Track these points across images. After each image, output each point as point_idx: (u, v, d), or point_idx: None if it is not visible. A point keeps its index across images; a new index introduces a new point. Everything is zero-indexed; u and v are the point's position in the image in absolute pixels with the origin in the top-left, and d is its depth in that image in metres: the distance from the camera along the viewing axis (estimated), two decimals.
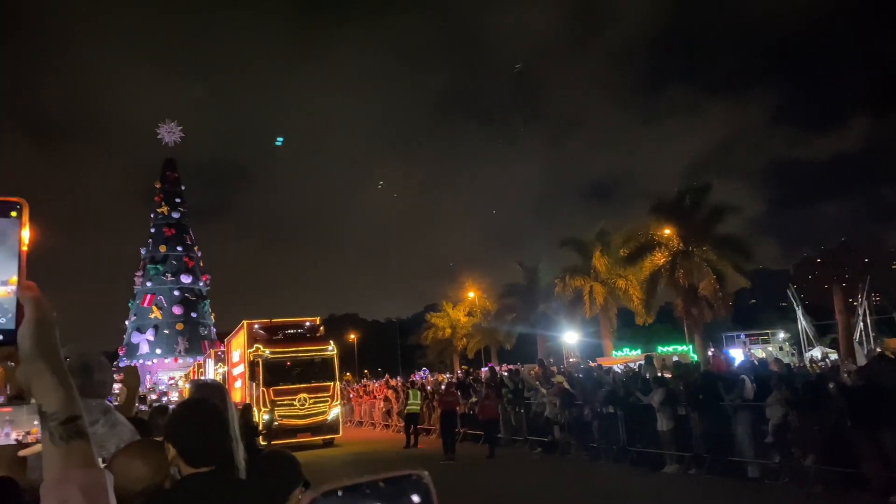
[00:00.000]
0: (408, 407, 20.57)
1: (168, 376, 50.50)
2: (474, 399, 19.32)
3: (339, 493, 0.68)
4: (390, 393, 26.21)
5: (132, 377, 3.96)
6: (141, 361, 52.57)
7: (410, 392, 21.19)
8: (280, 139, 77.01)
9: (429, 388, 24.39)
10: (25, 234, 0.98)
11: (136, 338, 56.54)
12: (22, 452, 1.42)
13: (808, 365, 21.88)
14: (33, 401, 1.27)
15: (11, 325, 0.98)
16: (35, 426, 1.33)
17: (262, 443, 16.13)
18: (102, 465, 1.37)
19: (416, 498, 0.70)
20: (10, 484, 2.25)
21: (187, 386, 30.85)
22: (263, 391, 20.04)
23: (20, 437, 1.34)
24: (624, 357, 31.17)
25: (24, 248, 0.98)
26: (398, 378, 34.59)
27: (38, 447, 1.30)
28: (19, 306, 0.98)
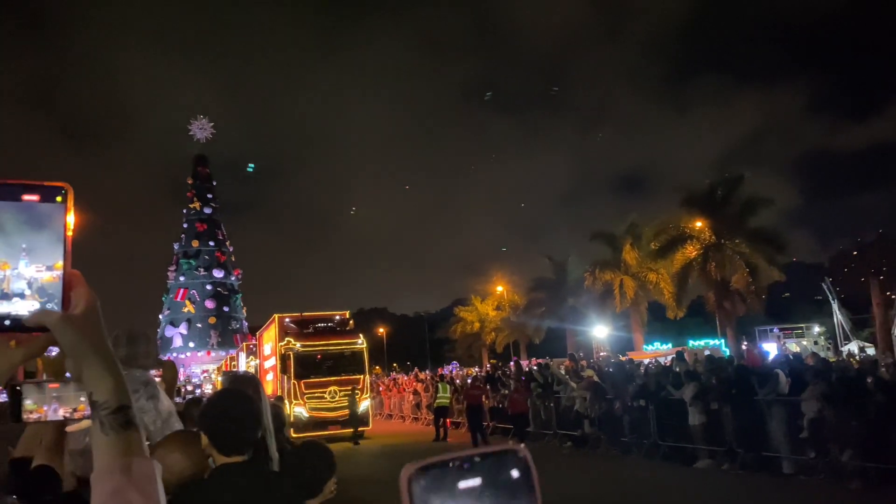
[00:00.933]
0: (437, 400, 20.68)
1: (201, 369, 51.27)
2: (504, 392, 19.30)
3: (437, 468, 0.66)
4: (419, 386, 26.30)
5: (170, 371, 4.03)
6: (175, 355, 53.42)
7: (440, 385, 21.27)
8: (251, 166, 76.77)
9: (458, 381, 24.43)
10: (70, 219, 0.98)
11: (169, 331, 57.45)
12: (70, 428, 1.45)
13: (844, 359, 21.48)
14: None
15: (59, 310, 0.98)
16: (82, 403, 1.36)
17: (294, 435, 16.31)
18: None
19: (515, 473, 0.69)
20: (49, 472, 2.30)
21: (220, 378, 31.29)
22: (294, 384, 20.26)
23: (67, 414, 1.38)
24: (655, 351, 30.88)
25: (70, 234, 0.98)
26: (427, 371, 34.66)
27: (84, 423, 1.34)
28: (65, 292, 0.98)
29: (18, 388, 1.42)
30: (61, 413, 1.39)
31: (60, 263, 0.98)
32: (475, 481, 0.66)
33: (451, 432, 20.31)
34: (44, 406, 1.41)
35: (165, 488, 1.55)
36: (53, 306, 0.98)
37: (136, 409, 1.03)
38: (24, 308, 0.97)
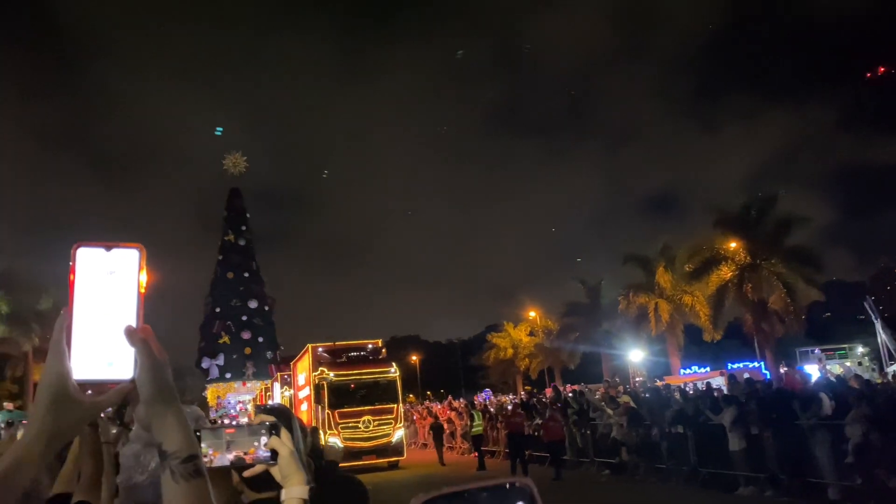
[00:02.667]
0: (474, 429, 20.65)
1: (237, 400, 51.63)
2: (539, 420, 19.10)
3: (446, 499, 0.68)
4: (453, 414, 26.14)
5: (201, 405, 4.08)
6: (212, 385, 53.90)
7: (474, 414, 21.21)
8: (219, 129, 76.75)
9: (492, 409, 24.25)
10: (143, 277, 1.04)
11: (205, 363, 58.05)
12: (246, 473, 1.54)
13: (890, 380, 20.83)
14: (254, 423, 1.42)
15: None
16: (253, 447, 1.46)
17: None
18: None
19: None
20: None
21: (254, 411, 31.45)
22: (329, 414, 20.29)
23: (239, 457, 1.47)
24: (691, 375, 30.32)
25: (142, 292, 1.03)
26: (461, 399, 34.47)
27: (258, 468, 1.43)
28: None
29: (198, 433, 1.49)
30: (232, 456, 1.47)
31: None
32: None
33: (486, 461, 20.15)
34: (219, 450, 1.48)
35: None
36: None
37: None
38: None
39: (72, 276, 1.01)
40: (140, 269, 1.04)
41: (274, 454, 1.50)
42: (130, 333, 1.02)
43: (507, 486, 0.71)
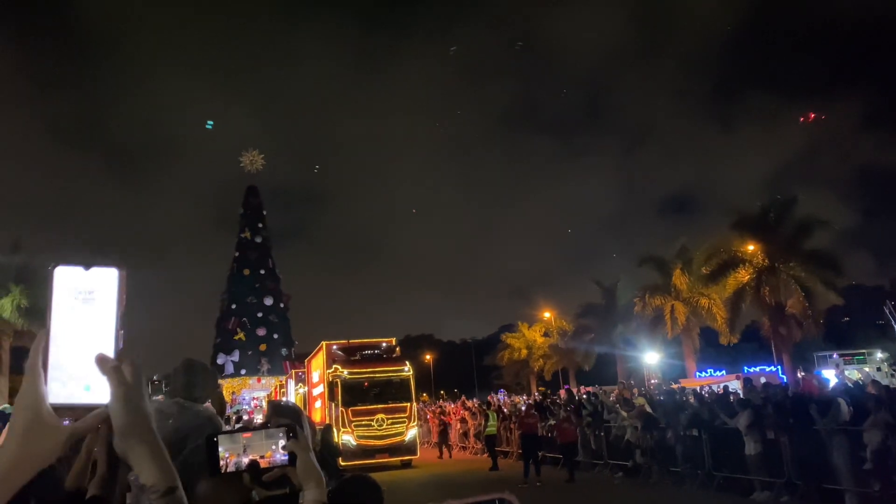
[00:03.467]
0: (487, 429, 20.71)
1: (252, 396, 51.94)
2: (552, 422, 19.05)
3: None
4: (467, 414, 26.14)
5: (218, 401, 4.09)
6: (227, 381, 54.28)
7: (489, 414, 21.24)
8: (210, 122, 76.82)
9: (505, 410, 24.22)
10: (122, 298, 1.02)
11: (221, 359, 58.46)
12: (266, 478, 1.55)
13: None
14: (270, 426, 1.44)
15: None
16: (270, 451, 1.47)
17: (343, 463, 16.34)
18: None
19: None
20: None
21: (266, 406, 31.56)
22: (342, 411, 20.35)
23: (249, 462, 1.48)
24: (707, 378, 30.11)
25: (122, 312, 1.02)
26: (474, 399, 34.47)
27: (276, 472, 1.45)
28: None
29: (215, 439, 1.50)
30: (249, 460, 1.49)
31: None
32: None
33: (499, 462, 20.17)
34: (235, 454, 1.50)
35: None
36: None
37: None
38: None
39: (50, 297, 0.98)
40: (120, 290, 1.01)
41: (292, 457, 1.50)
42: (102, 361, 0.99)
43: (490, 502, 0.70)
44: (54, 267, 1.00)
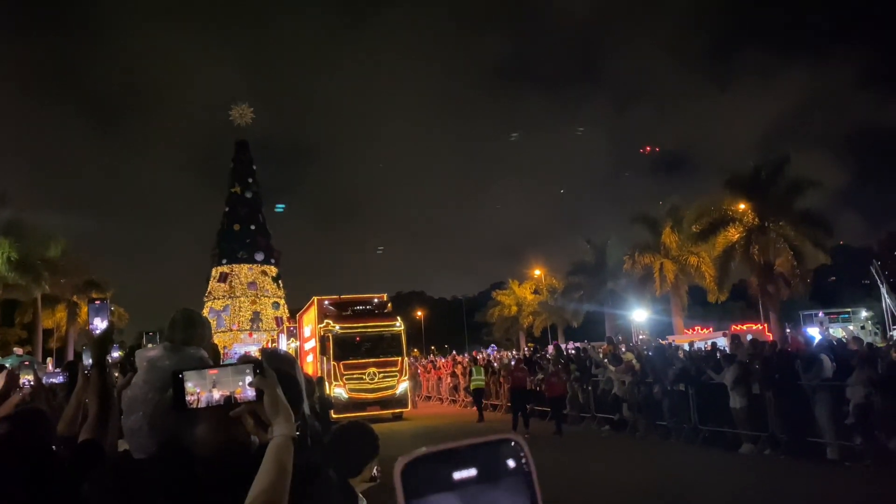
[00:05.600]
0: (473, 383, 20.98)
1: (244, 350, 52.26)
2: (541, 376, 19.30)
3: (431, 458, 0.66)
4: (458, 369, 26.46)
5: (214, 352, 4.08)
6: (218, 335, 54.49)
7: (474, 369, 21.56)
8: (280, 206, 75.78)
9: (495, 364, 24.49)
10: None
11: (211, 314, 58.62)
12: (232, 413, 1.55)
13: (893, 343, 20.88)
14: (235, 362, 1.48)
15: None
16: (239, 386, 1.46)
17: (335, 416, 16.53)
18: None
19: (511, 462, 0.68)
20: (95, 446, 2.36)
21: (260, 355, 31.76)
22: (334, 365, 20.52)
23: (218, 398, 1.48)
24: (697, 334, 30.44)
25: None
26: (465, 355, 34.84)
27: (243, 407, 1.46)
28: None
29: (181, 375, 1.48)
30: (218, 396, 1.48)
31: None
32: (470, 472, 0.66)
33: (488, 415, 20.52)
34: (204, 390, 1.48)
35: (206, 460, 1.59)
36: None
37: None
38: None
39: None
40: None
41: (259, 393, 1.49)
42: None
43: (497, 442, 0.68)
44: None
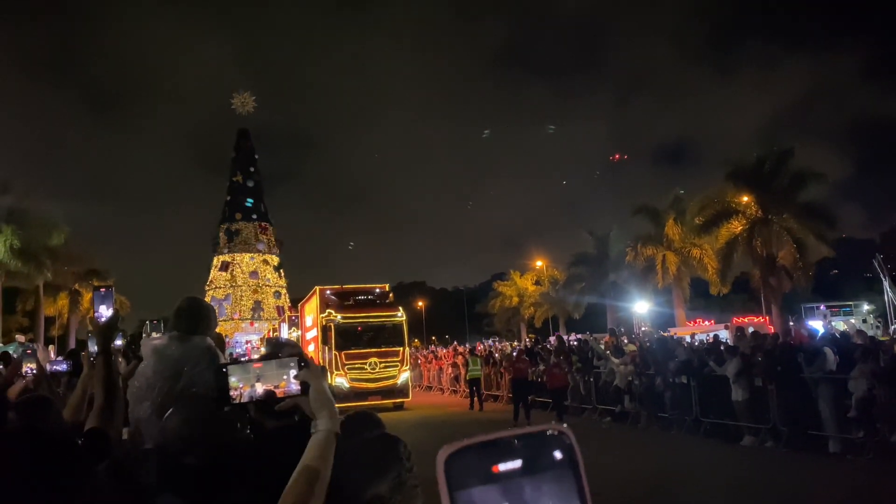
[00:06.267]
0: (469, 373, 21.18)
1: (245, 339, 52.31)
2: (542, 367, 19.31)
3: (475, 449, 0.63)
4: (460, 359, 26.51)
5: (218, 341, 4.07)
6: (220, 324, 54.47)
7: (470, 359, 21.76)
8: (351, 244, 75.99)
9: (496, 355, 24.52)
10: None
11: (213, 303, 58.66)
12: (279, 407, 1.54)
13: (894, 337, 20.86)
14: (281, 356, 1.48)
15: None
16: (283, 380, 1.44)
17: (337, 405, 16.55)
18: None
19: (558, 454, 0.65)
20: (102, 435, 2.34)
21: (263, 347, 31.84)
22: (336, 355, 20.54)
23: (270, 389, 1.47)
24: (699, 326, 30.42)
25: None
26: (465, 346, 34.88)
27: (289, 401, 1.44)
28: None
29: (225, 369, 1.46)
30: (262, 390, 1.45)
31: None
32: (515, 463, 0.63)
33: (489, 405, 20.67)
34: (248, 384, 1.46)
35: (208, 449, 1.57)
36: None
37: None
38: None
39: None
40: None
41: (305, 387, 1.47)
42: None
43: (544, 434, 0.64)
44: None
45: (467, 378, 21.88)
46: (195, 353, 1.69)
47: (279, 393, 1.49)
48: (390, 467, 2.39)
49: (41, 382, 4.58)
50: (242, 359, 1.72)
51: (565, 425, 0.68)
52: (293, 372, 1.48)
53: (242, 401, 1.48)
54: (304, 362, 1.50)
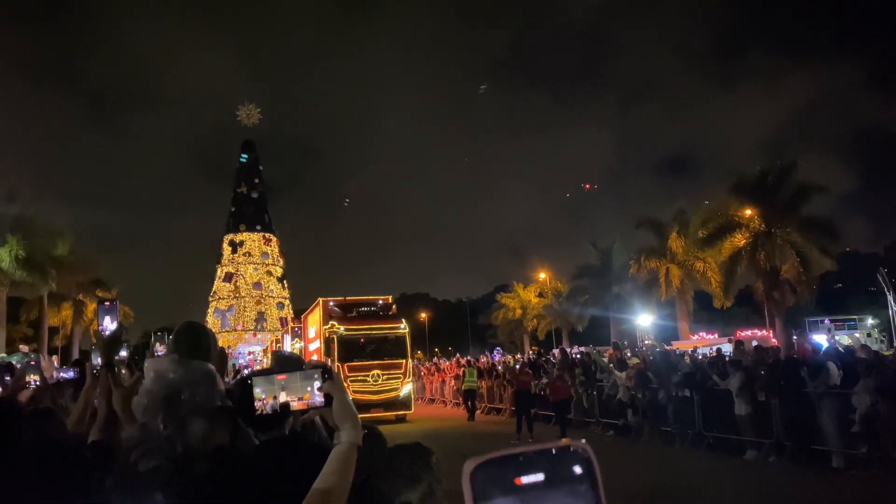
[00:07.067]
0: (465, 384, 21.34)
1: (248, 351, 52.31)
2: (545, 380, 19.27)
3: (499, 462, 0.67)
4: (462, 371, 26.48)
5: (221, 357, 4.09)
6: (223, 335, 54.56)
7: (466, 371, 22.07)
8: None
9: (499, 367, 24.49)
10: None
11: (216, 314, 58.70)
12: (304, 418, 1.57)
13: None
14: (305, 368, 1.51)
15: None
16: (307, 392, 1.47)
17: None
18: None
19: (577, 469, 0.68)
20: (106, 447, 2.37)
21: (266, 360, 31.82)
22: (338, 366, 20.53)
23: (293, 401, 1.49)
24: (699, 339, 30.36)
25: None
26: (469, 357, 34.84)
27: (312, 413, 1.46)
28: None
29: (250, 381, 1.48)
30: (285, 401, 1.48)
31: None
32: (538, 476, 0.66)
33: (492, 417, 20.82)
34: (272, 396, 1.48)
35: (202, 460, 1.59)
36: None
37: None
38: None
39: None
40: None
41: (328, 398, 1.49)
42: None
43: (566, 449, 0.68)
44: None
45: (463, 388, 22.16)
46: (195, 376, 1.72)
47: (302, 405, 1.51)
48: (422, 476, 2.39)
49: (44, 393, 4.60)
50: (262, 370, 1.75)
51: (584, 440, 0.72)
52: (317, 384, 1.50)
53: (266, 412, 1.50)
54: (328, 374, 1.52)
